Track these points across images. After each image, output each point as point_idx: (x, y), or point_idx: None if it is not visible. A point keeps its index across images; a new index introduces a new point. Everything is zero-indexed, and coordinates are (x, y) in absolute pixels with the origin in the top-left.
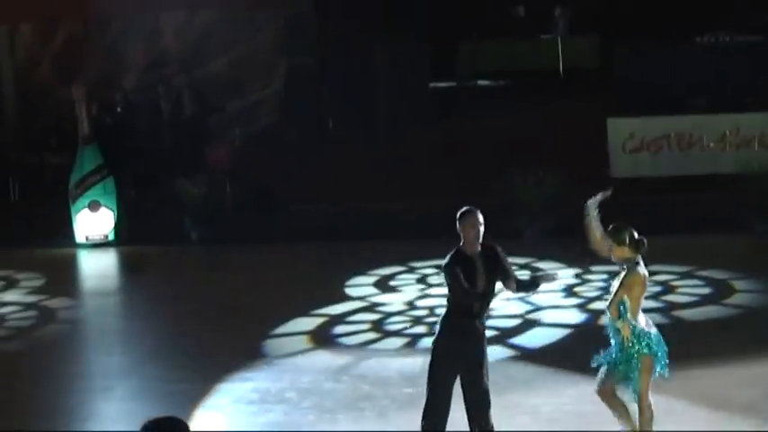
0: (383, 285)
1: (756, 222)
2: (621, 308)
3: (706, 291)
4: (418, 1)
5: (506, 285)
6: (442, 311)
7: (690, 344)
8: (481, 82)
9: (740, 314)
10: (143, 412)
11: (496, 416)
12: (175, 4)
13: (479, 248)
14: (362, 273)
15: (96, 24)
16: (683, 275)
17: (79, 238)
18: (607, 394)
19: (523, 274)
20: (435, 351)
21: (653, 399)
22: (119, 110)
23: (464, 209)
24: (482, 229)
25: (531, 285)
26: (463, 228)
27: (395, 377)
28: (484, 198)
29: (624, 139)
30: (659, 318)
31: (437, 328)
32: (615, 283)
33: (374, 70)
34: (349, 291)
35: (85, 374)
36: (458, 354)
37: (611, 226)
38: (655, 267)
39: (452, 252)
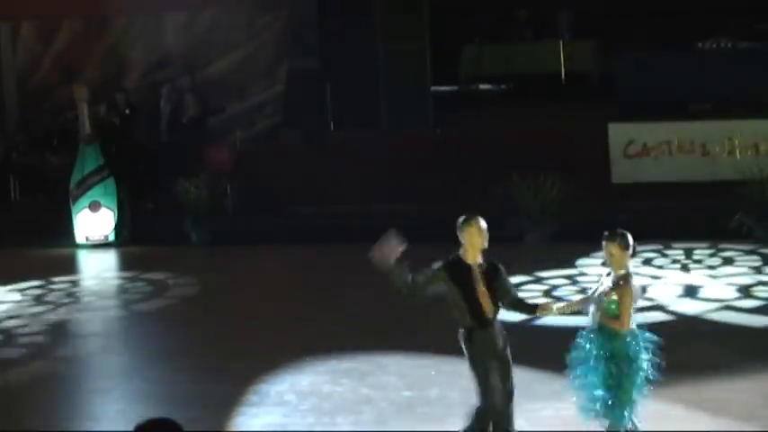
0: None
1: (757, 229)
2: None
3: (703, 296)
4: (421, 4)
5: (503, 304)
6: None
7: (689, 349)
8: (483, 86)
9: (736, 321)
10: (141, 413)
11: None
12: (178, 4)
13: (480, 260)
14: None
15: (99, 24)
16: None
17: (79, 238)
18: None
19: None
20: (472, 352)
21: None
22: (127, 111)
23: (466, 215)
24: (486, 236)
25: (527, 310)
26: (467, 234)
27: (394, 380)
28: (485, 203)
29: (625, 144)
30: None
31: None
32: (609, 292)
33: (376, 73)
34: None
35: (85, 375)
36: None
37: (609, 232)
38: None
39: (449, 259)
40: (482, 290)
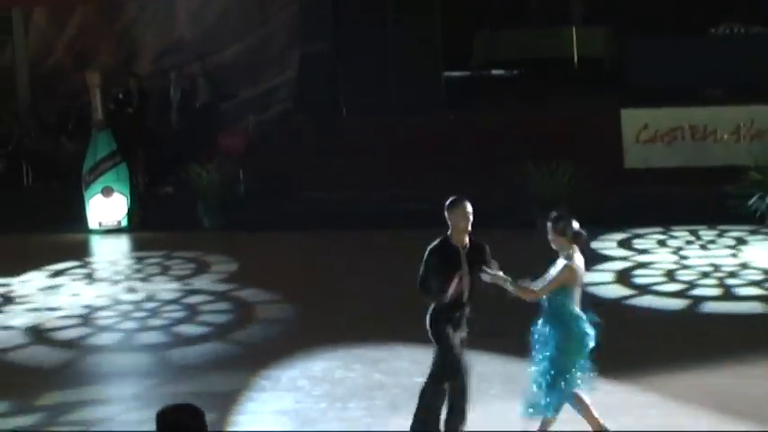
0: None
1: None
2: (563, 297)
3: (711, 283)
4: None
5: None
6: None
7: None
8: (495, 72)
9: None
10: (157, 394)
11: (504, 406)
12: None
13: (468, 242)
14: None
15: (111, 9)
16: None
17: (92, 223)
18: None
19: None
20: (441, 336)
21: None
22: (121, 96)
23: (453, 197)
24: (471, 219)
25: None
26: (454, 216)
27: (406, 366)
28: (497, 189)
29: (638, 130)
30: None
31: (426, 321)
32: (552, 272)
33: (388, 59)
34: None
35: (97, 355)
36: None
37: (553, 213)
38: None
39: (438, 241)
40: (465, 274)
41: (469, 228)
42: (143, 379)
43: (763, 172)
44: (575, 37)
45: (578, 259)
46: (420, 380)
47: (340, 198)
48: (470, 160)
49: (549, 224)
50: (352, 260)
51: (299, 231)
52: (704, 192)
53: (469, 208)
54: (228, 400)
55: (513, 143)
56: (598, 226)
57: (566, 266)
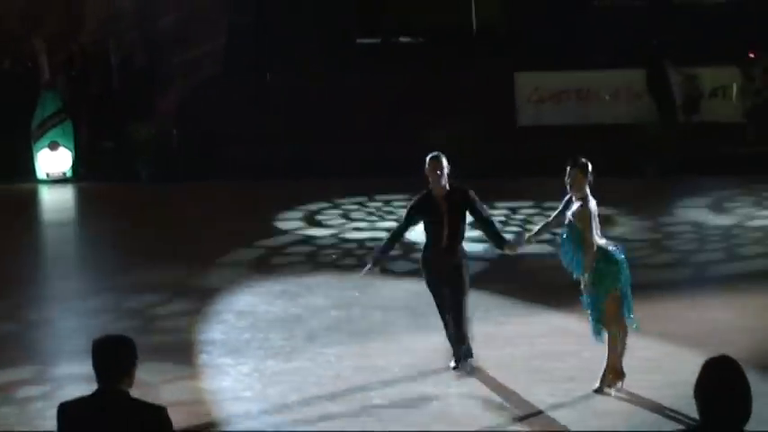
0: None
1: (647, 167)
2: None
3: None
4: None
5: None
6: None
7: None
8: (402, 39)
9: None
10: (97, 328)
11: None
12: None
13: (447, 191)
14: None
15: None
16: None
17: (40, 174)
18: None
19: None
20: (424, 276)
21: None
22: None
23: (431, 154)
24: (440, 172)
25: (498, 242)
26: (428, 169)
27: (322, 302)
28: (402, 145)
29: (530, 91)
30: None
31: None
32: (573, 221)
33: (308, 28)
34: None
35: (45, 296)
36: (439, 276)
37: (572, 159)
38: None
39: (419, 195)
40: (446, 219)
41: (439, 181)
42: None
43: (639, 130)
44: (473, 7)
45: (592, 203)
46: (335, 314)
47: (263, 151)
48: (377, 119)
49: (575, 167)
50: (279, 203)
51: (228, 182)
52: (588, 147)
53: (440, 162)
54: (163, 330)
55: (418, 104)
56: (496, 177)
57: (584, 207)
